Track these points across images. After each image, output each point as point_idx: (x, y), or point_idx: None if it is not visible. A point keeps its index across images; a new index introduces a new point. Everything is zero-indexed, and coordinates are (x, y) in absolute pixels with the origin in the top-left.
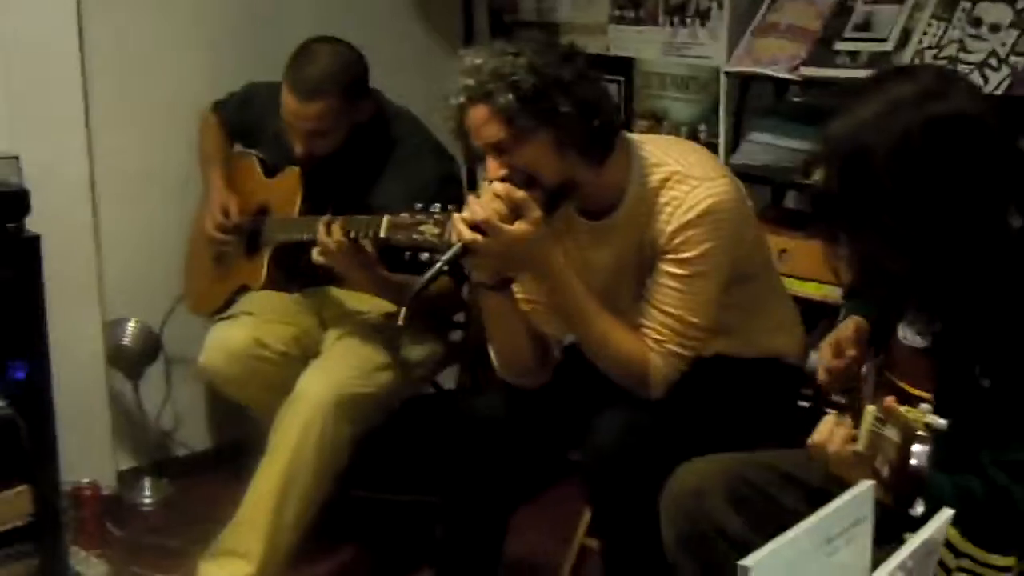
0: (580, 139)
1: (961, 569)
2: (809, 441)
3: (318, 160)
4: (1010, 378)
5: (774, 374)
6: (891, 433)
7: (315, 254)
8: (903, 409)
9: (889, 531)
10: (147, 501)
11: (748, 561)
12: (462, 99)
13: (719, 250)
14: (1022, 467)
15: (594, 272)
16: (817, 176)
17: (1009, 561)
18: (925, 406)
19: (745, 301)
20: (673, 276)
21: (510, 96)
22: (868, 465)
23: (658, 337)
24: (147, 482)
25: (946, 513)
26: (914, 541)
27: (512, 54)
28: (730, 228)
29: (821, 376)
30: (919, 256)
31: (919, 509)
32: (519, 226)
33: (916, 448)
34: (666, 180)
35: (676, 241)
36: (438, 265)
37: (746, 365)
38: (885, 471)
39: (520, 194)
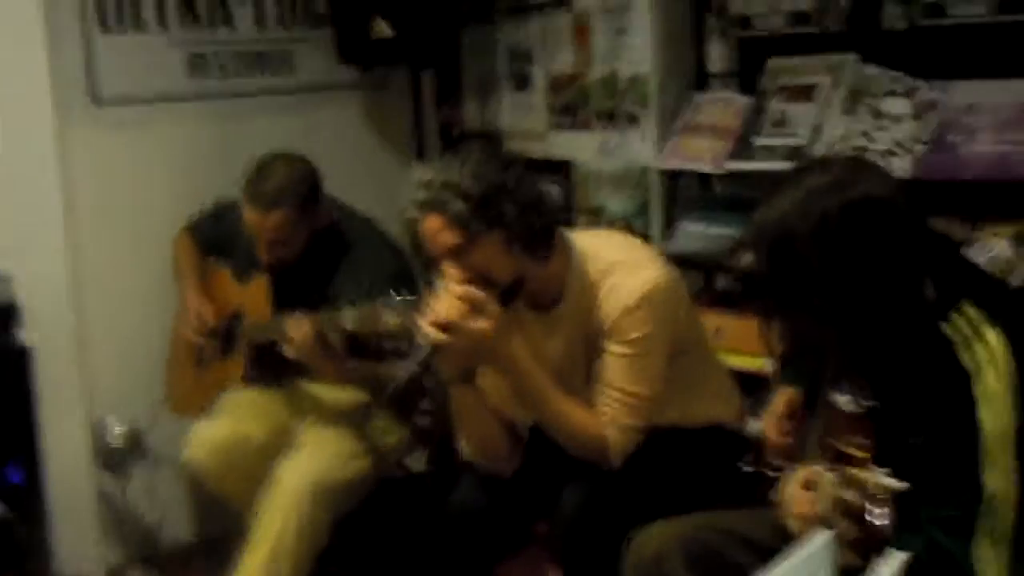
0: (526, 237)
1: None
2: (776, 500)
3: (284, 265)
4: (938, 435)
5: (716, 441)
6: (851, 496)
7: (287, 348)
8: (860, 473)
9: None
10: None
11: None
12: (416, 211)
13: (659, 330)
14: (956, 522)
15: (547, 361)
16: (745, 259)
17: None
18: (881, 470)
19: (684, 374)
20: (620, 356)
21: (460, 204)
22: (829, 527)
23: (612, 412)
24: (136, 575)
25: (902, 556)
26: None
27: (458, 166)
28: (666, 309)
29: (770, 453)
30: (844, 328)
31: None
32: (481, 323)
33: (878, 510)
34: (605, 271)
35: (620, 326)
36: (411, 368)
37: (691, 434)
38: (850, 532)
39: (479, 294)
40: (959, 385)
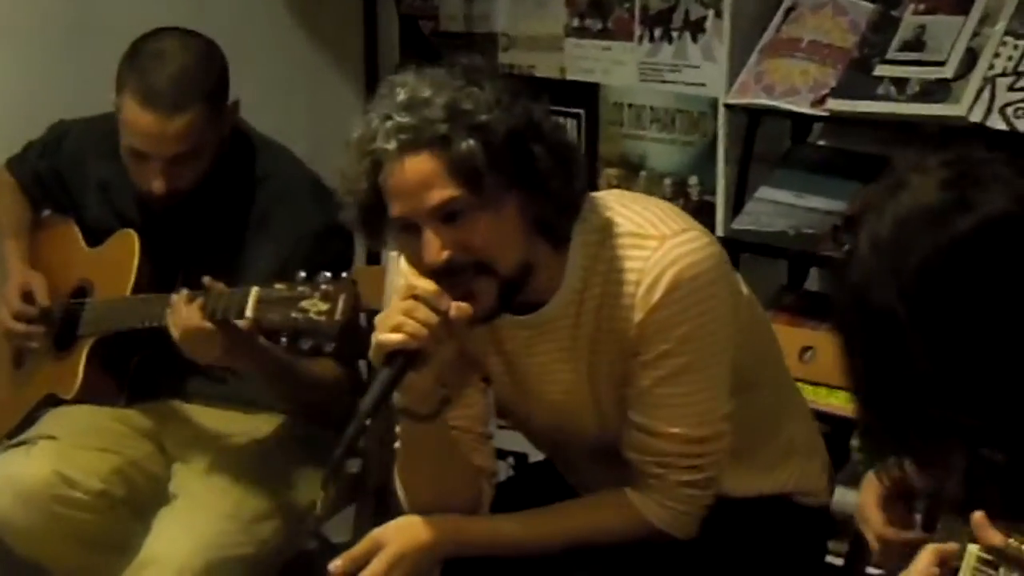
0: (552, 207)
1: None
2: None
3: (172, 202)
4: None
5: (788, 518)
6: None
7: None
8: (1017, 542)
9: None
10: None
11: None
12: (394, 143)
13: (707, 330)
14: None
15: (538, 384)
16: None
17: None
18: None
19: (746, 418)
20: (655, 381)
21: (472, 144)
22: None
23: (655, 469)
24: None
25: None
26: None
27: (470, 84)
28: (713, 296)
29: (876, 551)
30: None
31: None
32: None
33: None
34: (616, 248)
35: (647, 333)
36: (366, 407)
37: (750, 507)
38: None
39: (455, 305)
40: None
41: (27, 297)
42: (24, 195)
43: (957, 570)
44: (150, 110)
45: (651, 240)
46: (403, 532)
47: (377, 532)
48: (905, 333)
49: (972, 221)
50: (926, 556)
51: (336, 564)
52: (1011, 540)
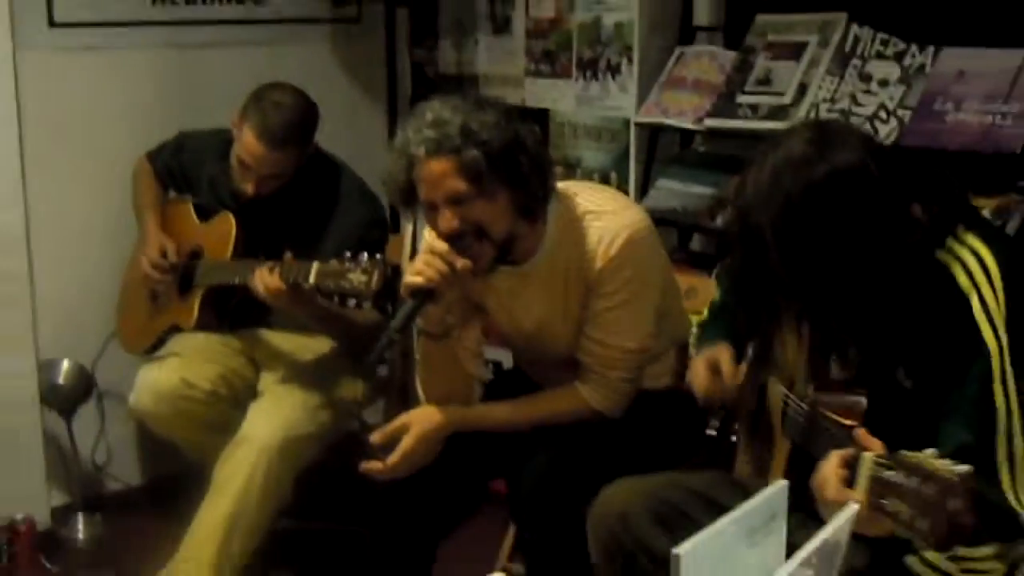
0: (530, 200)
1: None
2: (812, 482)
3: (259, 200)
4: (930, 374)
5: (684, 403)
6: (905, 480)
7: (258, 287)
8: (912, 455)
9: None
10: (81, 536)
11: (680, 549)
12: (422, 150)
13: (644, 275)
14: (966, 450)
15: (522, 317)
16: (722, 220)
17: (989, 551)
18: (929, 451)
19: (660, 335)
20: (605, 309)
21: (477, 153)
22: (880, 510)
23: (600, 369)
24: (80, 517)
25: (849, 511)
26: (819, 537)
27: (478, 111)
28: (652, 253)
29: (700, 396)
30: (838, 297)
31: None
32: (461, 262)
33: (958, 501)
34: (581, 220)
35: (604, 275)
36: (392, 331)
37: (659, 396)
38: (917, 521)
39: (461, 261)
40: (958, 308)
41: (162, 252)
42: (158, 180)
43: (855, 469)
44: (262, 142)
45: (607, 214)
46: (423, 416)
47: (404, 416)
48: (768, 248)
49: (826, 169)
50: (832, 459)
51: (375, 437)
52: (907, 454)
